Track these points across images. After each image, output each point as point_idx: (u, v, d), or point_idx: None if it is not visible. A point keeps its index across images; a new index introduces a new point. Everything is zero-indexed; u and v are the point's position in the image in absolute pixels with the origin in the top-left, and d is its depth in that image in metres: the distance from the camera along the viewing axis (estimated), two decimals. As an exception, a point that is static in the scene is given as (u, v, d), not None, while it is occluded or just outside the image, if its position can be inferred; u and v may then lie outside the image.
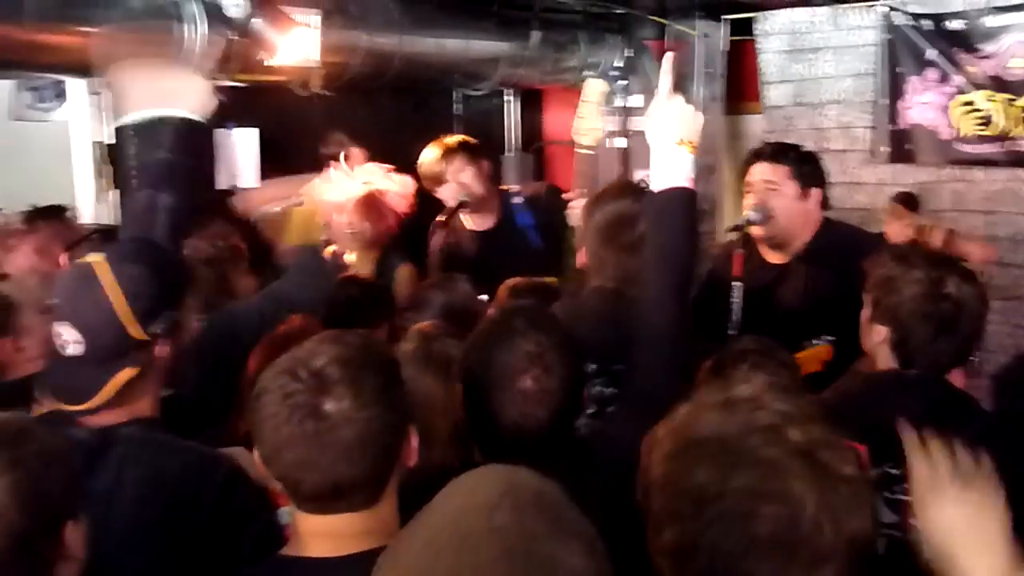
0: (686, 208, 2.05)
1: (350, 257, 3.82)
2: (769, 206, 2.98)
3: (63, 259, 2.65)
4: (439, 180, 4.03)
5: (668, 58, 2.20)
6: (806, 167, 3.07)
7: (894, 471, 1.86)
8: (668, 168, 2.04)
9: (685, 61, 6.52)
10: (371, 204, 3.89)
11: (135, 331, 1.81)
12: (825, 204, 3.11)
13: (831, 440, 1.21)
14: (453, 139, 4.37)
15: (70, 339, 1.78)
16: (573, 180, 6.83)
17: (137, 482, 1.74)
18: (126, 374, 1.81)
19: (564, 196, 4.11)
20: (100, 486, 1.72)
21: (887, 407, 2.05)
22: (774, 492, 1.16)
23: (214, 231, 3.44)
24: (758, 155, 3.12)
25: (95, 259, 1.82)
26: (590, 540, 1.08)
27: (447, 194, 4.06)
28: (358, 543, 1.45)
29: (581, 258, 2.64)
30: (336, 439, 1.41)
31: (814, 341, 2.71)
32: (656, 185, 2.07)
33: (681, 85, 6.33)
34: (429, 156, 4.09)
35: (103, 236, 2.89)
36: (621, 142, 6.41)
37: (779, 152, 3.10)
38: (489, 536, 1.03)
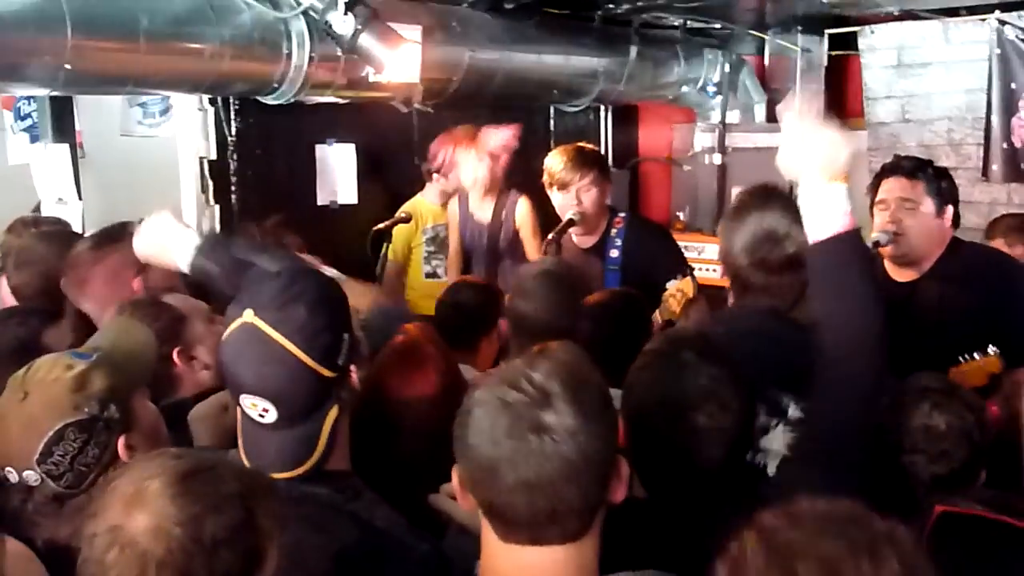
0: (856, 251, 1.88)
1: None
2: (904, 225, 2.87)
3: (137, 283, 2.56)
4: (564, 185, 3.94)
5: (790, 95, 2.09)
6: (943, 183, 2.95)
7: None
8: (823, 210, 1.87)
9: (785, 77, 6.42)
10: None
11: (327, 371, 1.69)
12: (956, 222, 2.99)
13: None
14: (591, 149, 4.28)
15: (266, 407, 1.67)
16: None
17: (316, 551, 1.62)
18: (332, 415, 1.71)
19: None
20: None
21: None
22: None
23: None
24: (894, 170, 2.99)
25: (250, 317, 1.68)
26: None
27: (562, 202, 3.98)
28: None
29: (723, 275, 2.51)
30: (558, 454, 1.33)
31: (976, 355, 2.58)
32: (813, 232, 1.90)
33: (780, 101, 6.34)
34: (562, 160, 4.00)
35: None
36: (718, 158, 6.31)
37: (917, 168, 2.97)
38: None
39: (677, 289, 2.92)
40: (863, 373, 1.80)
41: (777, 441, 1.97)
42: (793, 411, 2.02)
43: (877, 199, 2.97)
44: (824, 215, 1.86)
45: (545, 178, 4.05)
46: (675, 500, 1.69)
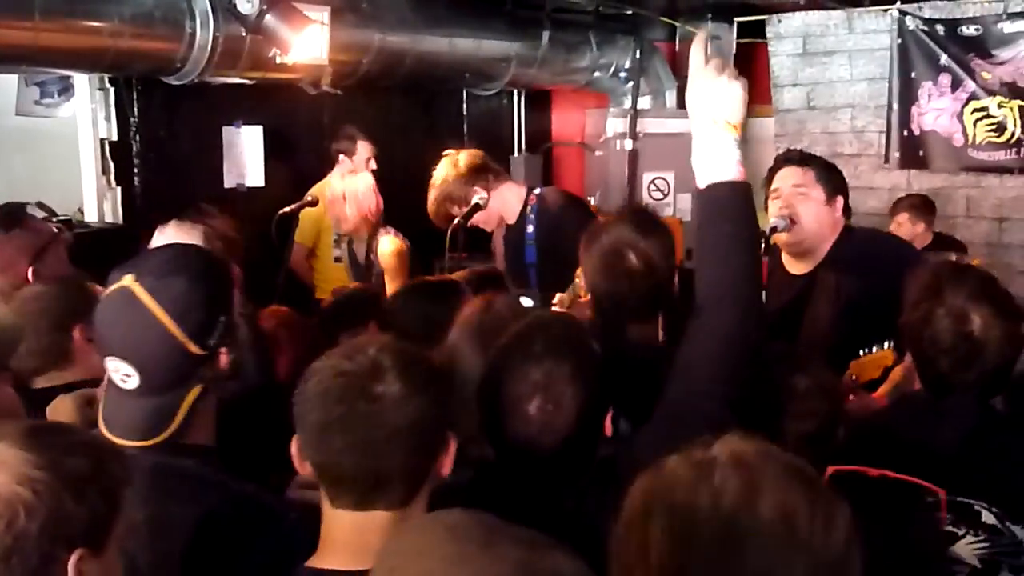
0: (743, 203, 1.85)
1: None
2: (796, 211, 2.93)
3: (30, 273, 2.48)
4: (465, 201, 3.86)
5: (700, 36, 2.06)
6: (833, 174, 3.03)
7: (930, 499, 1.81)
8: (712, 156, 1.86)
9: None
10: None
11: (195, 348, 1.67)
12: (847, 212, 3.07)
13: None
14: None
15: (128, 372, 1.65)
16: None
17: (182, 521, 1.63)
18: (194, 394, 1.70)
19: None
20: (138, 519, 1.63)
21: (922, 433, 2.02)
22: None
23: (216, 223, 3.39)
24: (786, 160, 3.07)
25: (128, 281, 1.66)
26: (559, 545, 1.09)
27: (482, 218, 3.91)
28: None
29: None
30: (383, 423, 1.42)
31: (873, 347, 2.64)
32: (702, 176, 1.90)
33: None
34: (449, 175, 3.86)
35: (73, 236, 2.74)
36: (629, 144, 6.36)
37: (807, 158, 3.05)
38: (481, 556, 1.06)
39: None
40: (730, 319, 1.83)
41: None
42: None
43: (771, 188, 3.04)
44: (713, 160, 1.87)
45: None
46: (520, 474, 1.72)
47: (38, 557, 1.25)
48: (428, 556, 1.08)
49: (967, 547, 1.79)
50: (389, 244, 4.54)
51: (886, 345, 2.61)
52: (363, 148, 4.92)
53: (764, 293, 2.90)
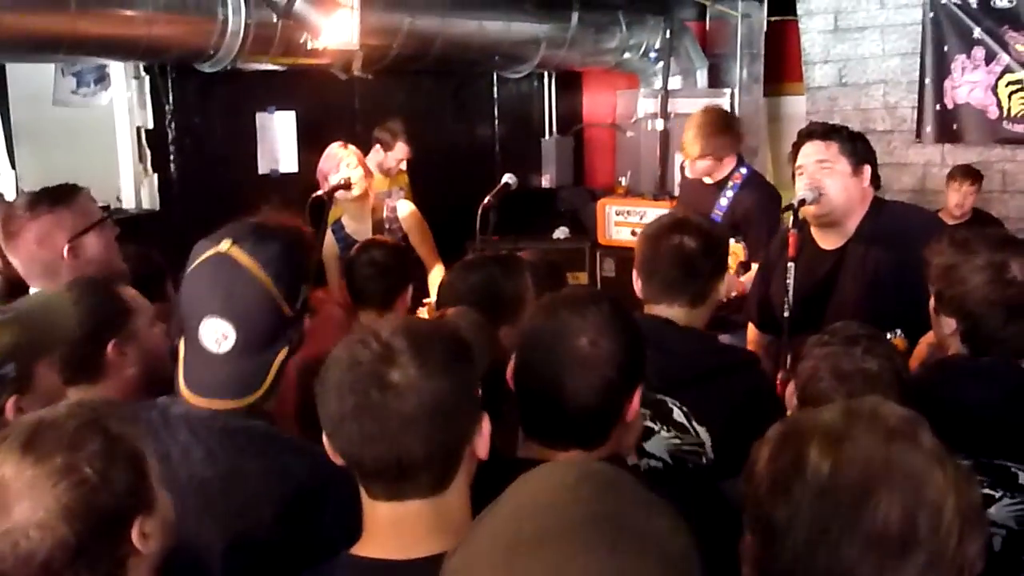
0: None
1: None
2: (823, 184, 2.92)
3: (66, 249, 2.50)
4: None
5: None
6: (857, 144, 3.00)
7: (966, 461, 1.81)
8: None
9: (725, 42, 6.47)
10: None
11: (287, 308, 1.75)
12: (876, 182, 3.04)
13: (957, 459, 1.14)
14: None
15: (226, 332, 1.71)
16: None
17: (260, 476, 1.68)
18: (282, 355, 1.76)
19: None
20: (210, 475, 1.68)
21: (960, 395, 2.01)
22: (903, 481, 1.08)
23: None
24: (809, 135, 3.05)
25: (226, 246, 1.73)
26: (673, 513, 1.04)
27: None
28: (428, 542, 1.38)
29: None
30: (399, 409, 1.37)
31: (887, 335, 2.63)
32: None
33: (721, 66, 6.38)
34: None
35: (115, 222, 2.73)
36: (660, 124, 6.35)
37: (830, 131, 3.01)
38: (575, 505, 0.99)
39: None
40: None
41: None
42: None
43: (796, 165, 3.02)
44: None
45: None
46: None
47: (101, 550, 1.30)
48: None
49: (1004, 509, 1.80)
50: (409, 205, 4.44)
51: (898, 333, 2.59)
52: (400, 148, 4.96)
53: (794, 267, 2.93)
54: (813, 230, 3.06)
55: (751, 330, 3.31)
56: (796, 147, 3.07)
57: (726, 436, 2.16)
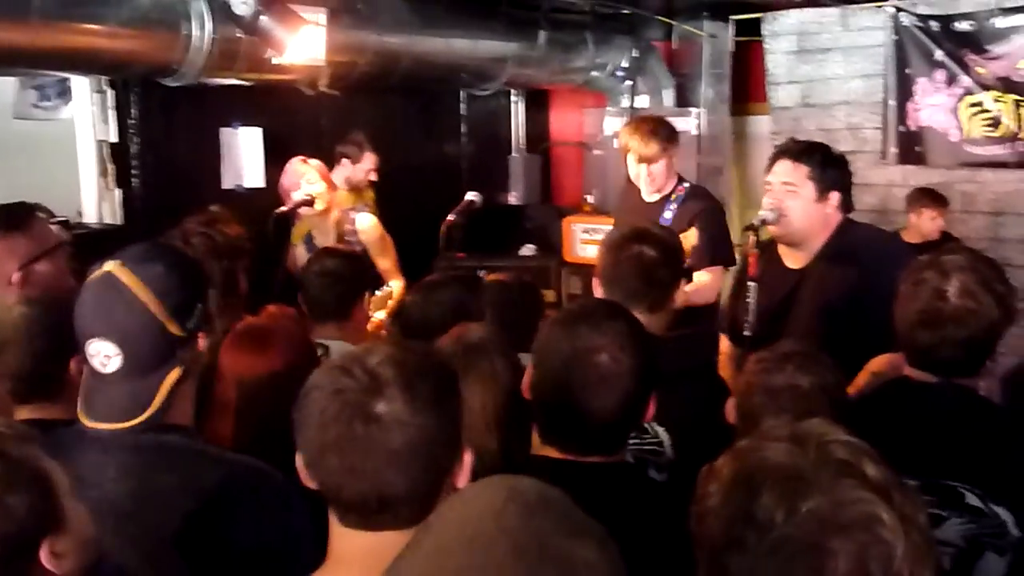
0: None
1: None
2: (784, 207, 2.93)
3: (15, 277, 2.45)
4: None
5: None
6: (828, 171, 2.97)
7: (912, 482, 1.82)
8: None
9: (692, 62, 6.52)
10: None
11: (175, 328, 1.74)
12: (848, 207, 3.02)
13: (903, 484, 1.14)
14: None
15: (109, 353, 1.70)
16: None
17: (171, 490, 1.68)
18: (174, 375, 1.75)
19: None
20: (122, 493, 1.67)
21: (906, 415, 2.03)
22: (855, 528, 1.06)
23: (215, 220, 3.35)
24: (783, 152, 3.04)
25: (112, 266, 1.74)
26: (600, 537, 1.03)
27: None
28: None
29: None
30: (384, 443, 1.33)
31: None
32: None
33: (688, 86, 6.42)
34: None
35: (72, 236, 2.66)
36: (628, 143, 6.37)
37: (803, 152, 2.99)
38: (498, 536, 0.98)
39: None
40: None
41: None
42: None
43: (766, 180, 3.04)
44: None
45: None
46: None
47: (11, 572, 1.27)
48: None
49: (952, 528, 1.81)
50: (369, 218, 4.42)
51: None
52: (368, 159, 4.95)
53: (755, 286, 2.95)
54: (780, 248, 3.08)
55: (723, 341, 3.33)
56: (771, 161, 3.08)
57: (685, 438, 2.22)
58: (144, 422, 1.72)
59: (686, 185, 4.13)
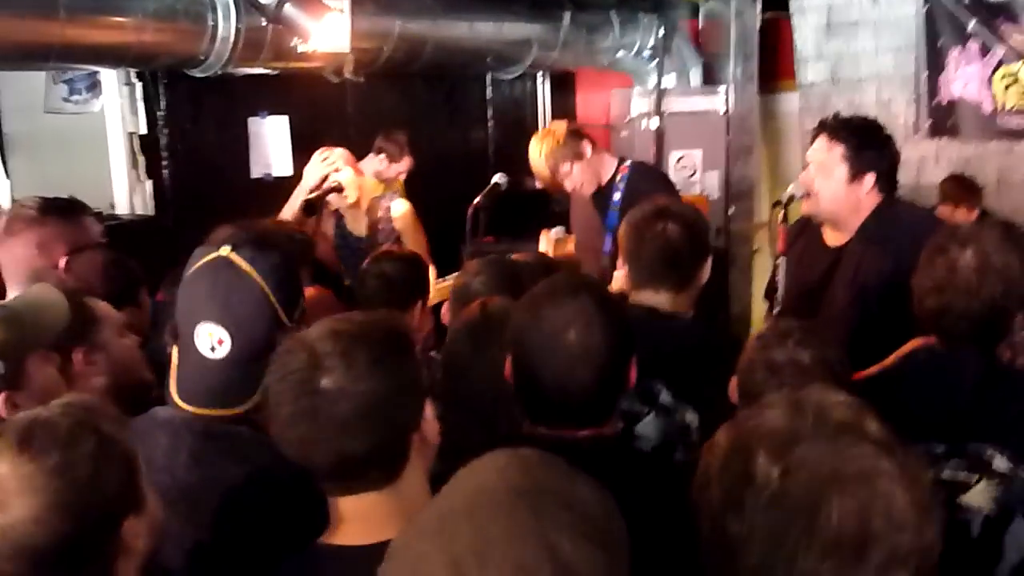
0: None
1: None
2: (814, 186, 2.87)
3: (62, 262, 2.50)
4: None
5: None
6: (864, 153, 2.87)
7: (938, 449, 1.80)
8: None
9: (719, 40, 6.46)
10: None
11: (284, 319, 1.74)
12: (889, 188, 2.93)
13: (904, 443, 1.14)
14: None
15: (223, 338, 1.70)
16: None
17: (239, 481, 1.69)
18: None
19: None
20: (193, 479, 1.70)
21: (931, 383, 2.01)
22: (853, 482, 1.07)
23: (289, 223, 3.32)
24: (822, 127, 2.94)
25: (226, 251, 1.73)
26: (599, 485, 1.08)
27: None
28: (389, 527, 1.40)
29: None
30: (332, 414, 1.40)
31: None
32: None
33: (715, 64, 6.36)
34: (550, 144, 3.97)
35: (104, 228, 2.71)
36: (655, 123, 6.34)
37: (840, 129, 2.88)
38: (499, 484, 1.05)
39: None
40: None
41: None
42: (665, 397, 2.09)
43: (808, 153, 2.97)
44: None
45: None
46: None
47: (93, 546, 1.33)
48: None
49: (981, 494, 1.79)
50: (403, 204, 4.40)
51: None
52: (406, 162, 4.96)
53: (785, 262, 2.92)
54: (822, 225, 3.02)
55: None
56: (813, 135, 3.01)
57: (713, 418, 2.18)
58: (247, 409, 1.73)
59: (628, 163, 4.06)
